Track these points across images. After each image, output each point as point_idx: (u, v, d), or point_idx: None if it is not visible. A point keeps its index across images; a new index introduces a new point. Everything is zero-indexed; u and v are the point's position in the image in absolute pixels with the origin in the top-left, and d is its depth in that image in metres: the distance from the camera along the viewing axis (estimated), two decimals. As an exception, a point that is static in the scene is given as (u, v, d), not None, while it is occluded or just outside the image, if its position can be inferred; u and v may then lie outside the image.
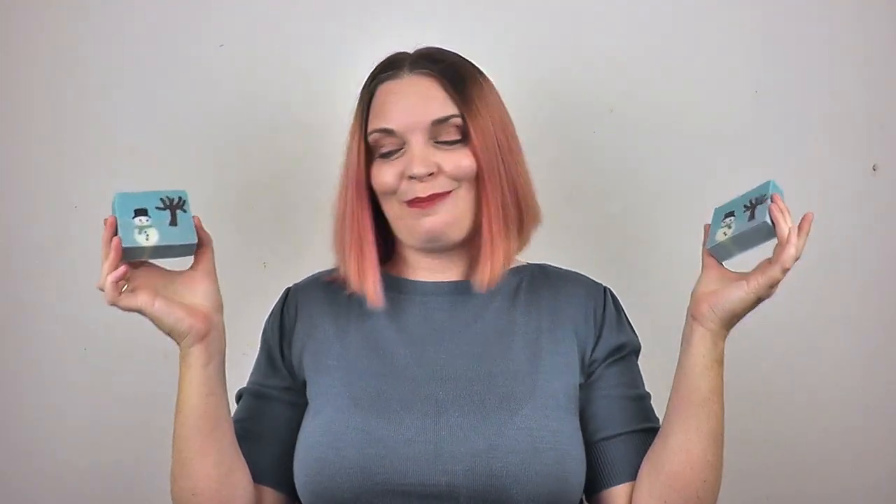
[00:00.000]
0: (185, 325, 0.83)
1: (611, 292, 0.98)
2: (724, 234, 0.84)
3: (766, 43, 1.28)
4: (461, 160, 0.88)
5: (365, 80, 0.95)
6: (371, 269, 0.92)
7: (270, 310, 1.00)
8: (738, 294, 0.82)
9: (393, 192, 0.90)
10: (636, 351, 0.97)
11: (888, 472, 1.34)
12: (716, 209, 0.88)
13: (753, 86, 1.28)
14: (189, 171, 1.31)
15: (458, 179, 0.89)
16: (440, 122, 0.88)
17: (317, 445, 0.85)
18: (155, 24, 1.28)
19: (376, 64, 0.96)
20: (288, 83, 1.30)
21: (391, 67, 0.92)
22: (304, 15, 1.30)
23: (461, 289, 0.94)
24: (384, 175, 0.90)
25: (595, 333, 0.93)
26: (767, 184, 0.82)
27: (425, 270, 0.95)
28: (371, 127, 0.91)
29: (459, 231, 0.90)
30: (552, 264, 1.01)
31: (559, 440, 0.85)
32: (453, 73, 0.90)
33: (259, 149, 1.31)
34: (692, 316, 0.86)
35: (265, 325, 1.00)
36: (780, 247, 0.79)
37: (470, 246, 0.93)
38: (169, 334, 0.85)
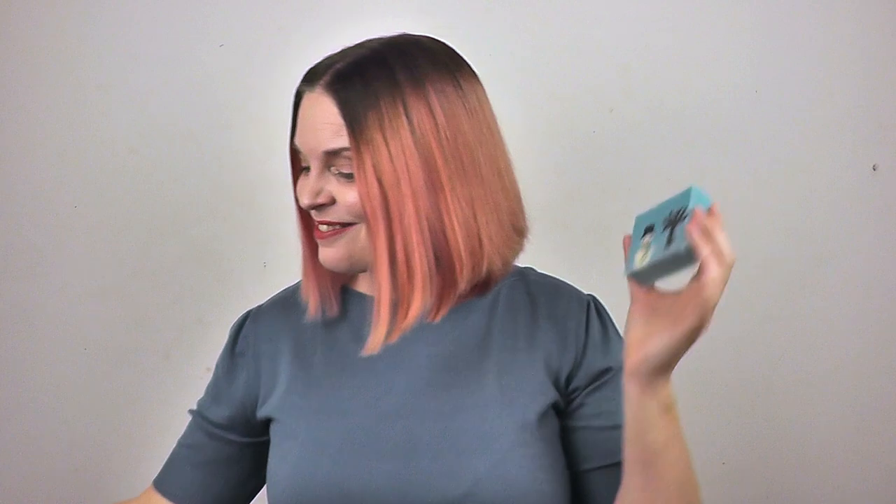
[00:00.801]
0: None
1: (595, 305, 0.89)
2: (642, 257, 0.69)
3: (766, 43, 1.28)
4: (348, 196, 0.79)
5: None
6: (310, 278, 0.86)
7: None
8: (666, 343, 0.67)
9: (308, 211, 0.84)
10: (622, 368, 0.86)
11: (889, 472, 1.35)
12: (637, 218, 0.73)
13: (753, 86, 1.28)
14: (189, 171, 1.31)
15: (353, 215, 0.79)
16: (332, 154, 0.78)
17: (284, 494, 0.81)
18: (155, 24, 1.28)
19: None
20: (288, 83, 1.30)
21: (309, 77, 0.82)
22: (305, 15, 1.30)
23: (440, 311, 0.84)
24: (298, 191, 0.84)
25: (575, 356, 0.84)
26: (688, 192, 0.67)
27: None
28: (293, 137, 0.84)
29: (363, 266, 0.83)
30: (535, 269, 0.93)
31: (540, 479, 0.79)
32: (359, 93, 0.77)
33: (259, 149, 1.31)
34: (627, 372, 0.71)
35: (221, 353, 0.94)
36: (699, 275, 0.64)
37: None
38: None
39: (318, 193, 0.80)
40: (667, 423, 0.71)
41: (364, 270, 0.84)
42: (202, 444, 0.91)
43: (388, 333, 0.78)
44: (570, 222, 1.30)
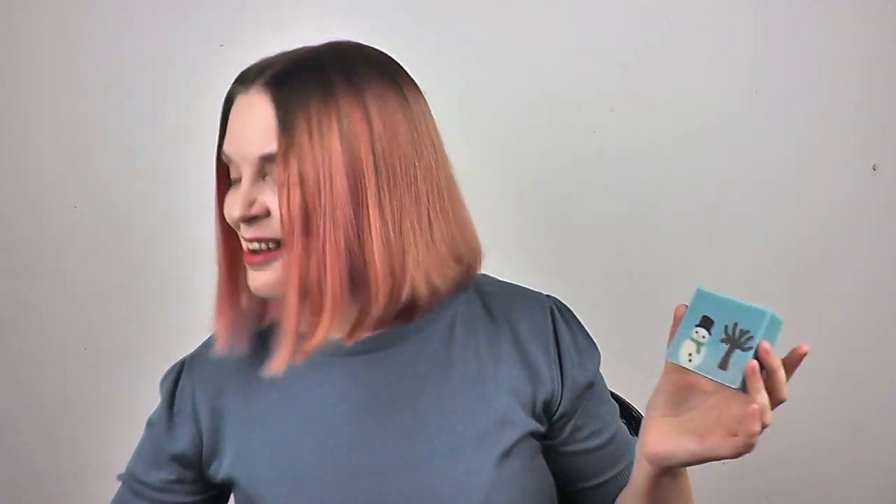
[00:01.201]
0: None
1: (558, 308, 0.83)
2: (689, 356, 0.65)
3: (766, 43, 1.28)
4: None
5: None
6: (224, 307, 0.77)
7: (161, 379, 0.87)
8: (693, 455, 0.65)
9: (237, 227, 0.74)
10: (598, 369, 0.84)
11: (888, 472, 1.35)
12: (699, 291, 0.66)
13: (753, 86, 1.28)
14: (189, 172, 1.31)
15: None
16: (267, 160, 0.71)
17: None
18: (155, 24, 1.28)
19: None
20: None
21: (242, 79, 0.75)
22: (304, 15, 1.30)
23: (385, 341, 0.78)
24: (226, 206, 0.75)
25: (553, 382, 0.79)
26: (763, 315, 0.63)
27: (344, 321, 0.76)
28: (221, 145, 0.76)
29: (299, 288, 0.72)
30: (489, 276, 0.86)
31: None
32: (293, 94, 0.71)
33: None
34: (643, 454, 0.69)
35: (157, 407, 0.85)
36: (744, 422, 0.60)
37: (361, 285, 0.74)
38: None
39: (251, 204, 0.72)
40: (678, 483, 0.72)
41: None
42: None
43: (293, 355, 0.71)
44: (570, 222, 1.30)
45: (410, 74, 0.78)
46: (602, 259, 1.30)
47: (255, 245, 0.73)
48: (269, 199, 0.72)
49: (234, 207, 0.72)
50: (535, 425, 0.78)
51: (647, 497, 0.71)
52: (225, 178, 0.76)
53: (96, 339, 1.32)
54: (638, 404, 1.03)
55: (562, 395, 0.79)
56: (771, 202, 1.30)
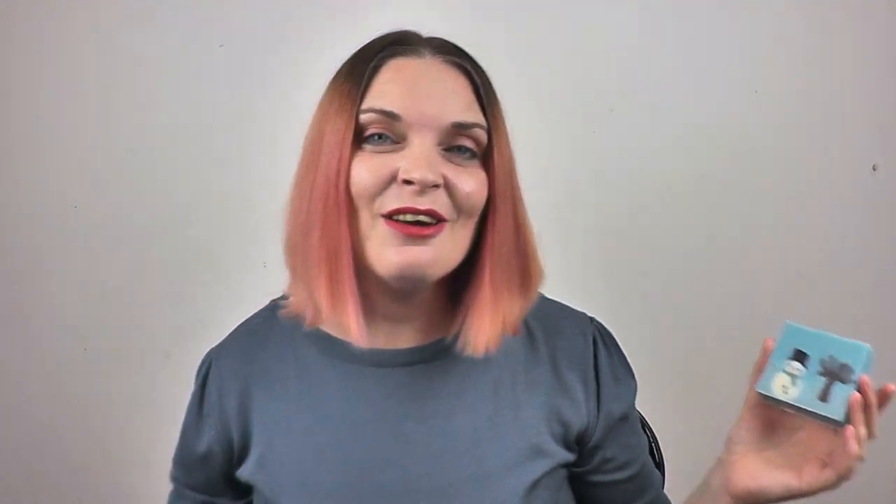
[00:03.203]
0: None
1: (599, 334, 0.80)
2: (784, 389, 0.66)
3: (766, 43, 1.28)
4: (476, 183, 0.68)
5: (363, 47, 0.74)
6: (350, 294, 0.67)
7: (196, 372, 0.81)
8: (788, 489, 0.66)
9: (373, 195, 0.66)
10: (634, 399, 0.81)
11: (888, 472, 1.34)
12: (788, 326, 0.68)
13: (753, 86, 1.28)
14: (189, 171, 1.31)
15: (461, 207, 0.67)
16: (461, 128, 0.67)
17: None
18: (155, 23, 1.28)
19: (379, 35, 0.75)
20: (288, 83, 1.30)
21: (408, 42, 0.71)
22: (304, 15, 1.30)
23: (424, 354, 0.74)
24: (368, 169, 0.66)
25: (588, 412, 0.76)
26: (860, 351, 0.66)
27: (387, 325, 0.74)
28: (368, 104, 0.67)
29: (442, 271, 0.68)
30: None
31: None
32: (483, 75, 0.71)
33: (259, 148, 1.31)
34: (730, 491, 0.69)
35: (188, 407, 0.80)
36: (842, 449, 0.63)
37: (442, 293, 0.74)
38: None
39: (437, 170, 0.66)
40: None
41: (432, 281, 0.70)
42: None
43: (489, 332, 0.69)
44: (570, 222, 1.30)
45: None
46: (602, 259, 1.30)
47: (425, 219, 0.66)
48: (450, 172, 0.67)
49: (417, 168, 0.65)
50: (566, 456, 0.75)
51: None
52: (352, 143, 0.67)
53: (96, 339, 1.32)
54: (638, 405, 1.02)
55: (596, 426, 0.76)
56: (771, 202, 1.30)
